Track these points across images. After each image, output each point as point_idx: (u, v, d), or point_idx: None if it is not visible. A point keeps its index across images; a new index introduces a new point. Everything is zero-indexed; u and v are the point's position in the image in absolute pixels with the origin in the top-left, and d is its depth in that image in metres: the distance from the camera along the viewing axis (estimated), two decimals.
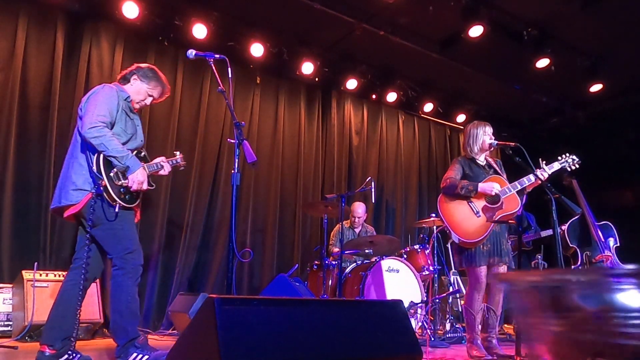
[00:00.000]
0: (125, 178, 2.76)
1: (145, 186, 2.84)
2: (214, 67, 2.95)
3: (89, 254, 2.76)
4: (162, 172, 3.11)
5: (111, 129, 2.78)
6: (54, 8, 4.81)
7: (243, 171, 5.47)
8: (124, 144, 2.83)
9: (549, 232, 5.43)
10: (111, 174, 2.73)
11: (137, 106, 3.05)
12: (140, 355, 2.68)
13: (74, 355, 2.73)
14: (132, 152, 2.86)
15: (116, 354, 2.74)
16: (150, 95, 3.06)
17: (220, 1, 5.17)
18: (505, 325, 5.51)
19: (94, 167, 2.71)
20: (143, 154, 3.02)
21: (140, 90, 3.02)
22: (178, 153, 3.28)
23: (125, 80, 3.02)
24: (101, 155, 2.72)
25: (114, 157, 2.71)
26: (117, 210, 2.74)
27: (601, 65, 5.90)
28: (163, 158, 3.15)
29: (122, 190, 2.77)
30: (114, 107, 2.81)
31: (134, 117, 3.00)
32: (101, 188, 2.69)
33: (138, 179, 2.79)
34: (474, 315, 3.53)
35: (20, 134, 4.55)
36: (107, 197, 2.71)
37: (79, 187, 2.74)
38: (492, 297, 3.45)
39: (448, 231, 3.59)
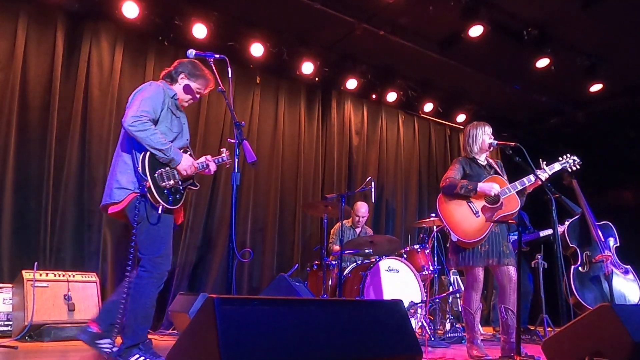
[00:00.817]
0: (170, 179, 2.77)
1: (192, 170, 2.86)
2: (214, 67, 2.95)
3: (132, 251, 2.75)
4: (207, 172, 3.11)
5: (155, 124, 2.78)
6: (54, 8, 4.81)
7: (243, 171, 5.48)
8: (170, 142, 2.83)
9: (549, 231, 5.43)
10: (156, 175, 2.74)
11: (185, 104, 3.07)
12: (142, 358, 2.68)
13: (113, 345, 2.74)
14: (181, 149, 2.91)
15: (118, 351, 2.72)
16: (198, 93, 3.07)
17: (220, 1, 5.17)
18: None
19: (139, 168, 2.71)
20: (189, 152, 3.01)
21: (189, 89, 3.03)
22: (224, 150, 3.23)
23: (172, 79, 3.01)
24: (147, 156, 2.73)
25: (158, 149, 2.71)
26: (160, 212, 2.74)
27: (601, 65, 5.89)
28: (208, 156, 3.12)
29: (165, 191, 2.77)
30: (158, 105, 2.81)
31: (180, 115, 2.99)
32: (145, 189, 2.69)
33: (186, 164, 2.82)
34: (473, 314, 3.53)
35: (20, 134, 4.55)
36: (150, 198, 2.71)
37: (122, 186, 2.75)
38: (508, 297, 3.41)
39: (447, 231, 3.59)
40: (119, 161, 2.81)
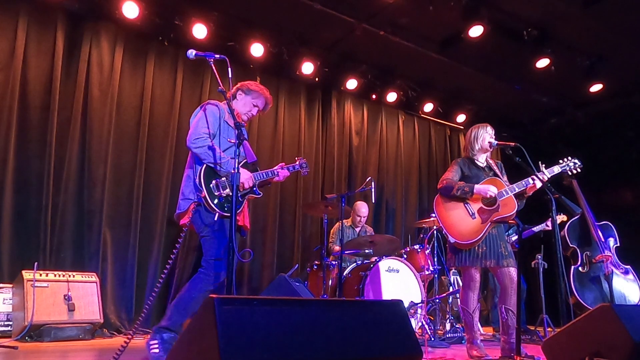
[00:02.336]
0: (225, 189, 3.02)
1: (249, 183, 3.13)
2: (214, 67, 2.95)
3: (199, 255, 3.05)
4: (277, 179, 3.39)
5: (212, 139, 3.07)
6: (54, 8, 4.81)
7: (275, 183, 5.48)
8: (225, 150, 3.11)
9: (542, 226, 5.43)
10: (211, 186, 3.01)
11: (244, 117, 3.35)
12: (156, 347, 2.82)
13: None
14: (241, 162, 3.08)
15: (154, 327, 2.96)
16: (255, 106, 3.35)
17: (220, 1, 5.17)
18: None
19: (197, 180, 3.03)
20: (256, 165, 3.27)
21: (245, 102, 3.33)
22: (299, 158, 3.56)
23: (233, 97, 3.33)
24: (203, 168, 3.02)
25: (216, 163, 3.02)
26: (216, 218, 2.99)
27: (601, 65, 5.90)
28: (282, 164, 3.44)
29: (220, 200, 3.01)
30: (215, 120, 3.12)
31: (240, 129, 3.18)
32: (201, 198, 2.98)
33: (243, 177, 3.06)
34: (471, 315, 3.53)
35: (20, 134, 4.55)
36: (206, 205, 2.99)
37: (185, 197, 3.09)
38: (509, 298, 3.41)
39: (444, 232, 3.60)
40: (185, 176, 3.17)
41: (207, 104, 3.20)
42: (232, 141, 2.91)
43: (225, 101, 3.13)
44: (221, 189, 3.02)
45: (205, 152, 3.01)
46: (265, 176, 3.30)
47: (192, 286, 2.97)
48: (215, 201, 2.99)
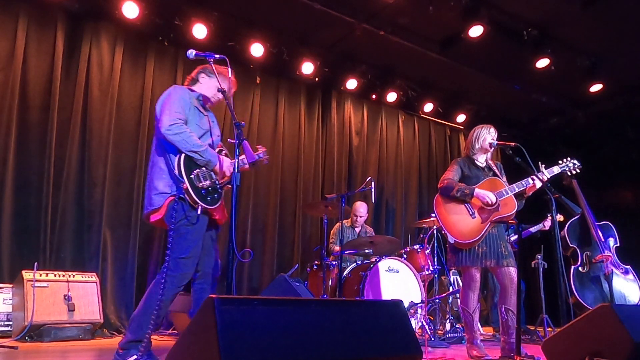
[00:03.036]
0: (206, 179, 2.80)
1: (228, 172, 2.90)
2: (214, 67, 2.95)
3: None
4: (243, 168, 3.12)
5: (186, 124, 2.84)
6: (54, 8, 4.81)
7: (243, 171, 5.46)
8: (199, 138, 2.88)
9: (538, 226, 5.44)
10: (192, 176, 2.76)
11: (210, 103, 3.14)
12: None
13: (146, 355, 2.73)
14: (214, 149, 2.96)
15: (120, 343, 2.73)
16: (219, 90, 3.05)
17: (220, 1, 5.17)
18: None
19: (175, 171, 2.74)
20: (225, 152, 3.05)
21: (210, 86, 3.08)
22: (260, 147, 3.25)
23: (194, 81, 3.10)
24: (182, 158, 2.75)
25: (194, 151, 2.77)
26: (199, 212, 2.77)
27: (601, 65, 5.90)
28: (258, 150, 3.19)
29: (203, 192, 2.79)
30: (186, 104, 2.88)
31: (207, 114, 3.05)
32: (183, 191, 2.71)
33: (224, 166, 2.89)
34: (471, 315, 3.53)
35: (20, 134, 4.55)
36: (189, 199, 2.74)
37: (160, 191, 2.79)
38: (509, 298, 3.40)
39: (443, 231, 3.60)
40: (154, 168, 2.87)
41: (173, 88, 2.95)
42: (233, 141, 2.86)
43: (189, 85, 3.04)
44: (202, 180, 2.79)
45: (183, 140, 2.74)
46: (241, 164, 3.03)
47: (157, 291, 2.71)
48: (199, 193, 2.76)
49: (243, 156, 3.06)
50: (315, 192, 6.36)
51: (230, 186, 2.97)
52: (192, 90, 3.05)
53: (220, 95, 3.12)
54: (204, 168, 2.83)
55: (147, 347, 2.72)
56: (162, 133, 2.76)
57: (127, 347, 2.70)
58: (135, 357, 2.66)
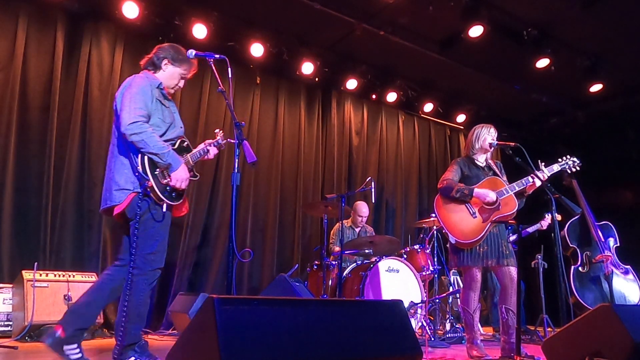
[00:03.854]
0: (169, 176, 2.72)
1: (185, 185, 2.80)
2: (214, 67, 2.94)
3: (133, 254, 2.69)
4: (208, 157, 3.09)
5: (148, 120, 2.71)
6: (54, 8, 4.81)
7: (243, 171, 5.47)
8: (163, 134, 2.78)
9: (536, 226, 5.43)
10: (156, 173, 2.69)
11: (171, 91, 3.00)
12: None
13: (79, 351, 2.66)
14: (175, 143, 2.86)
15: (114, 353, 2.67)
16: (182, 78, 3.00)
17: (220, 1, 5.17)
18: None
19: (139, 167, 2.66)
20: (186, 143, 2.97)
21: (173, 74, 2.94)
22: (218, 131, 3.17)
23: (155, 66, 2.91)
24: (146, 155, 2.67)
25: (155, 154, 2.65)
26: (164, 209, 2.72)
27: (601, 65, 5.90)
28: (207, 141, 3.10)
29: (167, 188, 2.73)
30: (148, 98, 2.73)
31: (169, 105, 2.91)
32: (148, 188, 2.65)
33: (181, 177, 2.75)
34: (472, 315, 3.53)
35: (20, 134, 4.55)
36: (154, 197, 2.68)
37: (121, 187, 2.69)
38: (509, 298, 3.40)
39: (444, 231, 3.59)
40: (115, 162, 2.75)
41: (133, 80, 2.78)
42: (233, 141, 2.84)
43: (146, 72, 2.88)
44: (167, 177, 2.73)
45: (143, 141, 2.61)
46: (199, 155, 2.98)
47: (132, 292, 2.65)
48: (163, 190, 2.70)
49: (202, 145, 3.03)
50: (315, 192, 6.36)
51: (195, 179, 2.96)
52: (152, 77, 2.86)
53: (182, 84, 3.02)
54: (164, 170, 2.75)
55: (143, 347, 2.71)
56: (121, 132, 2.65)
57: (123, 352, 2.66)
58: (133, 358, 2.64)
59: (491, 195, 3.44)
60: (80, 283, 4.28)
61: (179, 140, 2.91)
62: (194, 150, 2.98)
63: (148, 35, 5.31)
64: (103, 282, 2.79)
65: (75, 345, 2.64)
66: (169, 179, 2.71)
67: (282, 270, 5.39)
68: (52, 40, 4.77)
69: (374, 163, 6.93)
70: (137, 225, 2.64)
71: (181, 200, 2.85)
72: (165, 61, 2.90)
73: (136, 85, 2.73)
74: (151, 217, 2.69)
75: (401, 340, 2.02)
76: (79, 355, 2.66)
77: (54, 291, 4.10)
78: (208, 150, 3.05)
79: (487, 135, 3.67)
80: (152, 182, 2.65)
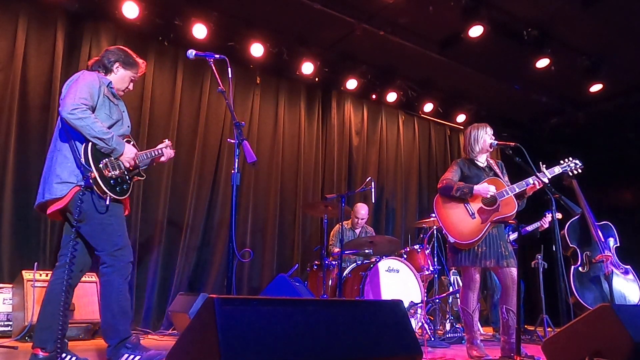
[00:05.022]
0: (115, 169, 2.69)
1: (133, 160, 2.79)
2: (214, 67, 2.94)
3: (74, 251, 2.67)
4: (163, 159, 3.09)
5: (93, 112, 2.69)
6: (54, 8, 4.81)
7: (243, 171, 5.48)
8: (109, 128, 2.76)
9: (536, 225, 5.43)
10: (100, 165, 2.65)
11: (121, 93, 3.00)
12: (132, 356, 2.61)
13: (70, 356, 2.67)
14: (124, 138, 2.86)
15: (107, 354, 2.67)
16: (132, 80, 3.03)
17: (220, 1, 5.17)
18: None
19: (82, 159, 2.60)
20: (132, 143, 2.95)
21: (124, 77, 2.97)
22: (166, 141, 3.18)
23: (106, 69, 2.93)
24: (89, 146, 2.63)
25: (99, 138, 2.63)
26: (107, 202, 2.65)
27: (601, 65, 5.89)
28: (167, 142, 3.13)
29: (112, 182, 2.68)
30: (95, 92, 2.72)
31: (118, 103, 2.92)
32: (90, 180, 2.58)
33: (128, 156, 2.76)
34: (471, 315, 3.53)
35: (20, 134, 4.55)
36: (97, 189, 2.62)
37: (63, 180, 2.62)
38: (510, 298, 3.41)
39: (444, 232, 3.59)
40: (57, 155, 2.69)
41: (82, 74, 2.78)
42: (232, 141, 2.84)
43: (97, 73, 2.86)
44: (112, 170, 2.67)
45: (87, 126, 2.57)
46: (150, 155, 2.96)
47: (110, 290, 2.65)
48: (107, 183, 2.64)
49: (151, 149, 3.02)
50: (315, 192, 6.36)
51: (141, 178, 2.95)
52: (102, 76, 2.88)
53: (131, 87, 3.05)
54: (112, 157, 2.72)
55: (134, 342, 2.68)
56: (63, 117, 2.60)
57: (115, 350, 2.65)
58: (126, 355, 2.62)
59: (492, 189, 3.43)
60: (80, 283, 4.24)
61: (125, 139, 2.89)
62: (142, 151, 2.96)
63: (148, 35, 5.32)
64: (53, 290, 2.74)
65: (64, 355, 2.64)
66: (113, 172, 2.67)
67: (282, 270, 5.39)
68: (52, 40, 4.77)
69: (374, 163, 6.93)
70: (78, 218, 2.57)
71: (125, 197, 2.80)
72: (117, 64, 2.94)
73: (84, 79, 2.74)
74: (95, 210, 2.63)
75: (401, 340, 2.02)
76: (73, 358, 2.66)
77: None
78: (161, 153, 3.04)
79: (485, 135, 3.66)
80: (95, 173, 2.60)
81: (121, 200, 2.79)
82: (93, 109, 2.71)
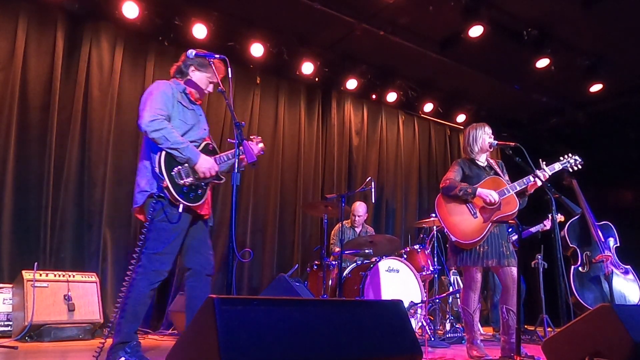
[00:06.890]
0: (188, 176, 2.75)
1: (211, 172, 2.82)
2: (214, 67, 2.95)
3: (140, 254, 2.70)
4: (244, 161, 2.99)
5: (169, 121, 2.78)
6: (54, 8, 4.81)
7: (243, 171, 5.47)
8: (184, 134, 2.82)
9: (539, 227, 5.44)
10: (173, 173, 2.71)
11: (197, 96, 3.04)
12: None
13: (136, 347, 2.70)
14: (199, 145, 2.89)
15: (108, 350, 2.68)
16: (211, 83, 3.06)
17: (220, 1, 5.17)
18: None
19: (156, 168, 2.69)
20: (211, 146, 2.98)
21: (201, 80, 3.01)
22: (255, 138, 3.21)
23: (182, 73, 3.01)
24: (162, 155, 2.70)
25: (175, 149, 2.71)
26: (180, 210, 2.71)
27: (601, 65, 5.90)
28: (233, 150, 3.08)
29: (184, 189, 2.74)
30: (169, 100, 2.81)
31: (193, 107, 2.97)
32: (163, 188, 2.67)
33: (204, 166, 2.79)
34: (472, 315, 3.53)
35: (20, 134, 4.55)
36: (169, 197, 2.69)
37: (142, 189, 2.77)
38: (510, 298, 3.41)
39: (445, 231, 3.59)
40: (140, 166, 2.84)
41: (156, 84, 2.89)
42: (232, 141, 2.83)
43: (174, 80, 2.96)
44: (184, 177, 2.73)
45: (163, 137, 2.67)
46: (227, 158, 2.99)
47: (131, 289, 2.67)
48: (180, 191, 2.71)
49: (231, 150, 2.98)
50: (315, 192, 6.36)
51: (219, 182, 2.96)
52: (178, 82, 2.96)
53: (210, 89, 3.07)
54: (185, 165, 2.77)
55: (135, 348, 2.68)
56: (142, 129, 2.70)
57: (114, 351, 2.65)
58: (123, 359, 2.62)
59: (493, 195, 3.43)
60: (80, 283, 4.28)
61: (203, 143, 2.94)
62: (221, 154, 2.99)
63: (148, 36, 5.31)
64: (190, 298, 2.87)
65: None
66: (186, 180, 2.73)
67: (282, 270, 5.39)
68: (52, 40, 4.77)
69: (374, 163, 6.93)
70: (148, 225, 2.66)
71: (199, 203, 2.84)
72: (192, 68, 3.00)
73: (156, 88, 2.84)
74: (165, 218, 2.71)
75: (401, 340, 2.02)
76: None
77: (54, 291, 4.10)
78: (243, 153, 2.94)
79: (484, 135, 3.66)
80: (167, 182, 2.67)
81: (192, 208, 2.80)
82: (169, 118, 2.80)
